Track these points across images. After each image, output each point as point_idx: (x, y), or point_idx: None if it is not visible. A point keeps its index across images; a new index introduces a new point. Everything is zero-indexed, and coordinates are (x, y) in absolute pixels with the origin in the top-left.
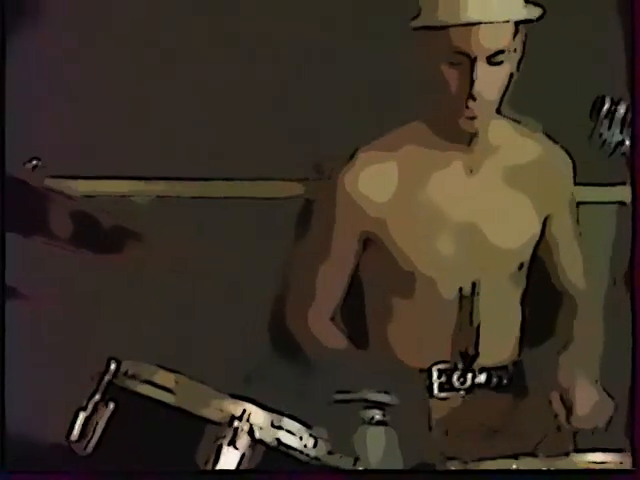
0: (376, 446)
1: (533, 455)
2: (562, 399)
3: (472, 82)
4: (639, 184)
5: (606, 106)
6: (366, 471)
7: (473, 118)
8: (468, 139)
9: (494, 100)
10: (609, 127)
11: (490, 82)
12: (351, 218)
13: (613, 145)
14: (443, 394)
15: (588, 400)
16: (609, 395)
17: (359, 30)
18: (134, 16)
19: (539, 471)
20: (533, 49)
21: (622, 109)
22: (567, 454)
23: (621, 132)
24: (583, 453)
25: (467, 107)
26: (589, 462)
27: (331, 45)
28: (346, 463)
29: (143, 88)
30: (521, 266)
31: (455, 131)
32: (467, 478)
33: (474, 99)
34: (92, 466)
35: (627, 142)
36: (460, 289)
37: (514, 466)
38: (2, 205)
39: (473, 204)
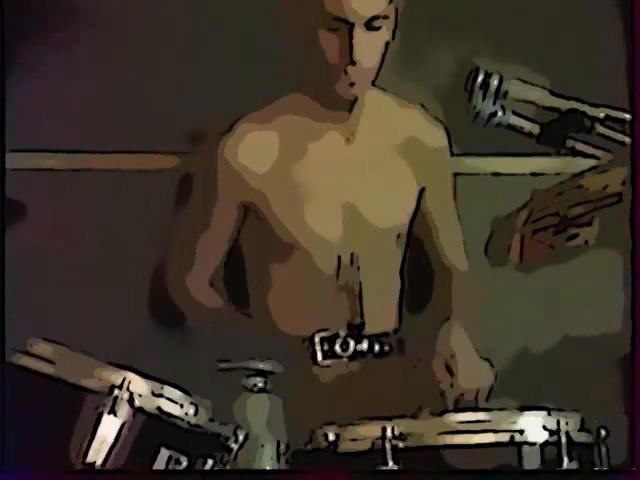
0: (258, 414)
1: (412, 417)
2: (446, 366)
3: (351, 48)
4: (639, 177)
5: (480, 78)
6: (368, 471)
7: (352, 84)
8: (348, 106)
9: (373, 67)
10: (483, 99)
11: (369, 47)
12: (231, 187)
13: (486, 116)
14: (327, 362)
15: (469, 365)
16: (490, 364)
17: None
18: None
19: (537, 470)
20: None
21: (495, 81)
22: (441, 414)
23: (494, 103)
24: (454, 413)
25: (346, 73)
26: (458, 422)
27: (208, 14)
28: (227, 430)
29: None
30: (399, 236)
31: (334, 99)
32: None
33: (353, 64)
34: None
35: (500, 113)
36: (339, 259)
37: (388, 428)
38: None
39: (351, 176)
